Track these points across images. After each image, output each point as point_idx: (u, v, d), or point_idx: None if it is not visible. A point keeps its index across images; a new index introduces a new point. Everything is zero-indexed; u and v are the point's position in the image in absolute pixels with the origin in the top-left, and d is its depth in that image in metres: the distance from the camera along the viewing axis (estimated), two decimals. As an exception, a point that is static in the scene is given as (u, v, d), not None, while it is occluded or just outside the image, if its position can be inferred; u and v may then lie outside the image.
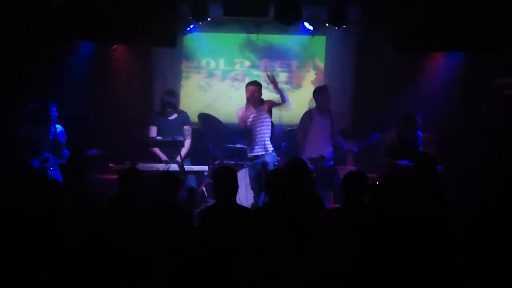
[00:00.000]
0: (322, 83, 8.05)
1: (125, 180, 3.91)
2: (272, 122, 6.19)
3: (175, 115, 5.95)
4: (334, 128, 6.19)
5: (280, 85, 6.13)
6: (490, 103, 6.73)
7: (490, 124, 6.74)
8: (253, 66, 8.08)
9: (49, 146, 5.58)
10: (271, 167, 5.60)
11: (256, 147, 5.90)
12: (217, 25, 7.64)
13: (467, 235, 3.87)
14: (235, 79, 8.09)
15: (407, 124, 5.83)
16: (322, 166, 5.90)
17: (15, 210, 3.57)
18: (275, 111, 6.19)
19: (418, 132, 5.93)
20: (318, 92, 6.20)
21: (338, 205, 4.68)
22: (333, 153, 6.17)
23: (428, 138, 6.89)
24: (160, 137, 5.67)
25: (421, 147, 5.94)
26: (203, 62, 8.05)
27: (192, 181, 5.78)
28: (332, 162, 6.11)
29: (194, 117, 7.14)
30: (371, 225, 3.61)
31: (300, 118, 6.28)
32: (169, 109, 5.88)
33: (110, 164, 5.71)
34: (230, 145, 7.06)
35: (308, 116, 6.20)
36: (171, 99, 5.91)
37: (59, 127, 5.66)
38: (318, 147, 6.11)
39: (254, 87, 5.97)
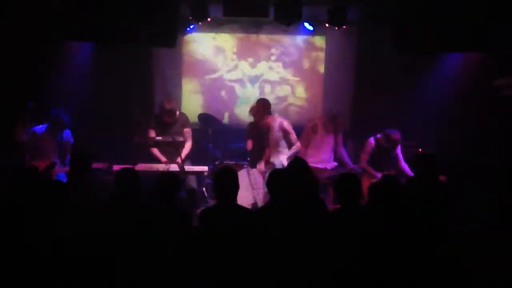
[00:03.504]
0: (322, 84, 8.07)
1: (122, 181, 3.91)
2: None
3: (174, 121, 5.94)
4: (338, 142, 6.28)
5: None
6: (490, 103, 6.74)
7: (490, 124, 6.74)
8: (253, 66, 8.08)
9: (56, 150, 5.62)
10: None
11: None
12: (217, 25, 7.63)
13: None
14: (235, 79, 8.09)
15: (388, 140, 5.90)
16: (323, 177, 5.97)
17: (15, 210, 3.58)
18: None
19: (397, 149, 6.00)
20: (332, 120, 6.30)
21: (337, 206, 4.70)
22: (336, 167, 6.25)
23: (428, 138, 6.91)
24: (160, 137, 5.66)
25: (401, 159, 6.03)
26: (203, 62, 8.04)
27: (192, 182, 5.77)
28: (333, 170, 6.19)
29: (194, 118, 7.14)
30: (371, 225, 3.61)
31: (296, 123, 6.30)
32: (168, 117, 5.86)
33: (110, 165, 5.71)
34: (230, 145, 7.07)
35: (311, 127, 6.26)
36: (171, 105, 5.88)
37: (67, 131, 5.73)
38: (320, 158, 6.16)
39: (254, 108, 6.02)
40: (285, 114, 7.96)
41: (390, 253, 3.50)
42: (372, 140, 6.03)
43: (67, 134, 5.75)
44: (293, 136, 5.91)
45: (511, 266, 4.10)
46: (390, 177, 4.16)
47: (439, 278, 3.61)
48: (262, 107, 5.96)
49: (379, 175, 5.83)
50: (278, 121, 5.93)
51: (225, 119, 7.89)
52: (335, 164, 6.31)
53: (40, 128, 5.66)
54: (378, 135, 6.01)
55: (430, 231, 3.80)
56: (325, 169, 6.13)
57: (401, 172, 5.95)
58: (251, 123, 6.12)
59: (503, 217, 5.27)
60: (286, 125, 5.92)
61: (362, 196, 3.93)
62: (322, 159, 6.19)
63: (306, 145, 6.22)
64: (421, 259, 3.58)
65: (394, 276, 3.46)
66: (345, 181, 3.82)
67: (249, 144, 6.07)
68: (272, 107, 7.31)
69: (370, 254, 3.48)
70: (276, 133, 5.86)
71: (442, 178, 5.53)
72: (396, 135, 5.89)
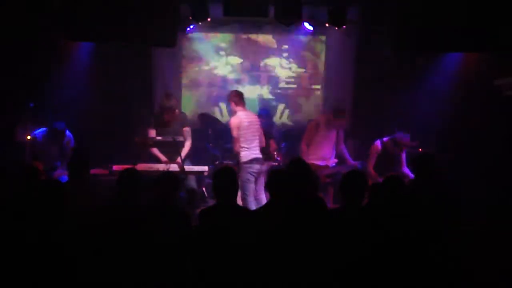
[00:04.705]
0: (322, 84, 8.08)
1: (124, 180, 3.91)
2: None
3: (174, 119, 5.92)
4: (339, 139, 6.25)
5: None
6: (490, 103, 6.73)
7: (490, 124, 6.74)
8: (253, 66, 8.08)
9: (58, 155, 5.64)
10: None
11: None
12: (217, 25, 7.64)
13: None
14: (235, 79, 8.10)
15: (396, 145, 5.85)
16: (324, 174, 5.96)
17: (15, 210, 3.58)
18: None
19: (403, 154, 5.94)
20: (338, 114, 6.20)
21: (337, 205, 4.70)
22: (337, 164, 6.23)
23: (428, 138, 6.90)
24: (160, 137, 5.66)
25: (404, 161, 5.96)
26: (203, 62, 8.05)
27: (192, 181, 5.77)
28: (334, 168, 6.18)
29: (194, 118, 7.15)
30: (371, 225, 3.61)
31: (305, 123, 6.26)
32: (167, 114, 5.84)
33: (110, 165, 5.71)
34: (230, 145, 7.06)
35: (314, 126, 6.24)
36: (170, 104, 5.85)
37: (68, 134, 5.75)
38: (321, 155, 6.15)
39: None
40: (286, 113, 8.01)
41: (391, 253, 3.50)
42: (378, 143, 5.95)
43: (68, 138, 5.75)
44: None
45: (511, 265, 4.10)
46: (393, 177, 4.14)
47: (440, 278, 3.61)
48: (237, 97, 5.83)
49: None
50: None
51: (223, 117, 7.89)
52: (336, 161, 6.30)
53: (40, 133, 5.65)
54: (385, 139, 5.95)
55: (432, 231, 3.79)
56: (325, 166, 6.12)
57: (403, 175, 5.87)
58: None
59: (504, 217, 5.27)
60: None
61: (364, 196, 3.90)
62: (323, 156, 6.17)
63: (307, 143, 6.21)
64: (421, 259, 3.58)
65: (395, 276, 3.46)
66: (353, 178, 3.79)
67: None
68: (272, 106, 7.34)
69: (371, 254, 3.48)
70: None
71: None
72: (406, 139, 5.83)
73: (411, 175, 5.79)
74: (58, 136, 5.62)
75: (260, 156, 5.73)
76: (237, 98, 5.81)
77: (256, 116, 5.96)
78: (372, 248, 3.48)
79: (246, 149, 5.65)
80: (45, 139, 5.65)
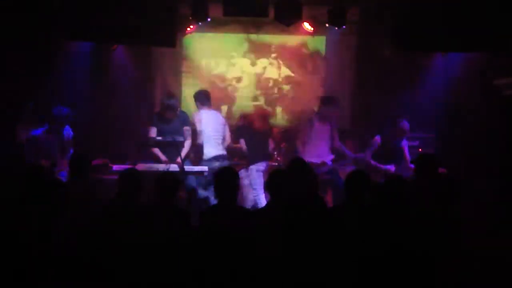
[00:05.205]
0: (321, 83, 8.07)
1: (124, 180, 3.91)
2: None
3: (175, 117, 5.92)
4: (334, 135, 6.24)
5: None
6: (490, 103, 6.73)
7: (490, 124, 6.74)
8: (253, 66, 8.08)
9: (58, 148, 5.63)
10: None
11: None
12: (217, 25, 7.64)
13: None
14: (234, 78, 8.10)
15: (393, 131, 5.84)
16: (322, 171, 5.96)
17: (15, 210, 3.58)
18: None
19: (403, 141, 5.93)
20: (328, 102, 6.21)
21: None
22: (334, 160, 6.22)
23: (428, 138, 6.90)
24: (160, 137, 5.66)
25: (407, 154, 5.94)
26: (203, 62, 8.05)
27: (192, 181, 5.77)
28: (332, 165, 6.16)
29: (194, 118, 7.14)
30: (371, 225, 3.61)
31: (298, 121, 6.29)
32: (169, 112, 5.84)
33: (110, 165, 5.72)
34: (229, 145, 7.06)
35: (308, 122, 6.24)
36: (171, 102, 5.85)
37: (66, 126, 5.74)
38: (318, 152, 6.14)
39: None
40: (284, 113, 8.00)
41: (391, 253, 3.50)
42: (378, 137, 5.98)
43: (67, 129, 5.74)
44: None
45: (511, 266, 4.10)
46: (394, 177, 4.15)
47: (439, 278, 3.61)
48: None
49: (383, 166, 5.75)
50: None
51: (223, 114, 7.88)
52: (332, 157, 6.27)
53: (38, 131, 5.65)
54: (377, 136, 5.97)
55: (430, 230, 3.80)
56: (323, 163, 6.08)
57: (409, 170, 5.84)
58: (245, 123, 6.18)
59: (504, 217, 5.27)
60: None
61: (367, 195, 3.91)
62: (319, 153, 6.16)
63: (303, 141, 6.19)
64: (421, 259, 3.58)
65: (395, 276, 3.46)
66: (356, 177, 3.80)
67: (243, 143, 6.11)
68: (272, 106, 7.36)
69: (371, 253, 3.48)
70: None
71: (442, 170, 5.50)
72: (404, 125, 5.83)
73: None
74: (57, 123, 5.59)
75: (223, 153, 5.89)
76: (203, 98, 6.00)
77: (221, 116, 6.03)
78: (372, 247, 3.48)
79: (208, 146, 5.83)
80: (45, 135, 5.64)
